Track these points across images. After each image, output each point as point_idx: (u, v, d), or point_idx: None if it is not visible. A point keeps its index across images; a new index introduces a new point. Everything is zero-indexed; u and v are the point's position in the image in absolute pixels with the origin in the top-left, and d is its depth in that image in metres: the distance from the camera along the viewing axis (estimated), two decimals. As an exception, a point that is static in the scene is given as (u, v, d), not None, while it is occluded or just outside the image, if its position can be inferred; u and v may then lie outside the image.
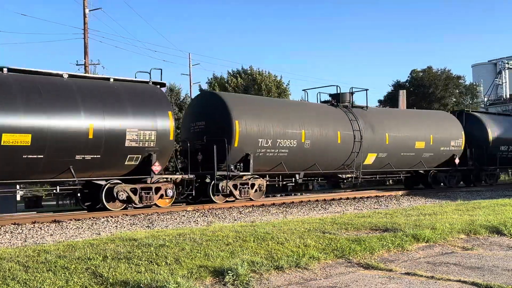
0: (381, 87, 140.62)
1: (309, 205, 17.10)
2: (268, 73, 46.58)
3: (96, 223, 12.68)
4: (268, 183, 19.08)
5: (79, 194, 15.37)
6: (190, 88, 43.68)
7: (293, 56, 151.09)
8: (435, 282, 6.53)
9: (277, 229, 9.54)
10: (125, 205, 15.12)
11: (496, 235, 10.14)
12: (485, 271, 7.14)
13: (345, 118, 21.24)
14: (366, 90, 23.17)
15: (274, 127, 18.67)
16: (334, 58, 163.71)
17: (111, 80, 15.54)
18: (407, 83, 52.43)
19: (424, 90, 49.81)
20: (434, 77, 51.51)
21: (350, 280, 6.70)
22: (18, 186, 16.13)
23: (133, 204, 15.17)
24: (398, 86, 50.77)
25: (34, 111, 13.19)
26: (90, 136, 13.96)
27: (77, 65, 31.63)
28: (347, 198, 19.50)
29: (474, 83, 61.89)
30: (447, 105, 49.45)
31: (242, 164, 17.78)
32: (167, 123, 15.53)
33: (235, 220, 13.29)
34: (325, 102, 22.70)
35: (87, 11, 30.59)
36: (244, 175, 17.87)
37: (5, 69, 13.54)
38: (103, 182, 14.71)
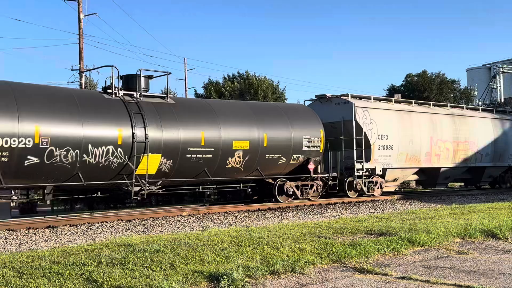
0: (376, 91, 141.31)
1: (304, 210, 17.10)
2: (264, 77, 46.73)
3: (91, 228, 12.63)
4: None
5: None
6: (186, 92, 43.71)
7: (289, 60, 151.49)
8: (431, 286, 6.54)
9: (272, 233, 9.53)
10: None
11: (491, 239, 10.16)
12: (480, 275, 7.15)
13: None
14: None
15: None
16: (329, 62, 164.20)
17: None
18: (402, 87, 52.65)
19: (418, 94, 50.00)
20: (428, 81, 51.75)
21: (346, 284, 6.69)
22: (13, 192, 15.89)
23: None
24: (393, 90, 50.98)
25: None
26: None
27: (72, 70, 31.53)
28: (343, 203, 19.52)
29: (469, 87, 62.15)
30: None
31: None
32: None
33: (231, 225, 13.27)
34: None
35: (82, 16, 30.57)
36: None
37: None
38: None
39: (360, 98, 22.22)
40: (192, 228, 12.75)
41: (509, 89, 74.70)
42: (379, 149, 21.48)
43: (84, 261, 7.06)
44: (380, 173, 21.41)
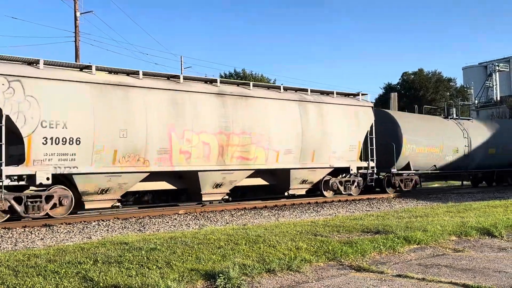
0: (373, 90, 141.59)
1: (301, 208, 17.11)
2: (261, 75, 46.71)
3: (87, 227, 12.62)
4: None
5: None
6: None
7: (286, 59, 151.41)
8: (427, 284, 6.54)
9: (269, 232, 9.53)
10: None
11: (487, 237, 10.18)
12: (476, 272, 7.17)
13: None
14: None
15: None
16: (326, 61, 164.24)
17: None
18: (398, 86, 52.66)
19: (415, 93, 50.05)
20: (425, 79, 51.79)
21: (342, 282, 6.69)
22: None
23: None
24: (389, 88, 50.99)
25: None
26: None
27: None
28: (339, 201, 19.53)
29: (465, 86, 62.25)
30: (438, 108, 49.74)
31: None
32: None
33: (227, 223, 13.27)
34: None
35: (78, 14, 30.51)
36: None
37: None
38: None
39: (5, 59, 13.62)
40: (189, 226, 12.75)
41: (505, 87, 74.92)
42: (46, 144, 13.32)
43: (80, 260, 7.04)
44: (48, 181, 13.27)
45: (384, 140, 22.03)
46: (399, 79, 54.09)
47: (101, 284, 6.08)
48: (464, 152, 25.96)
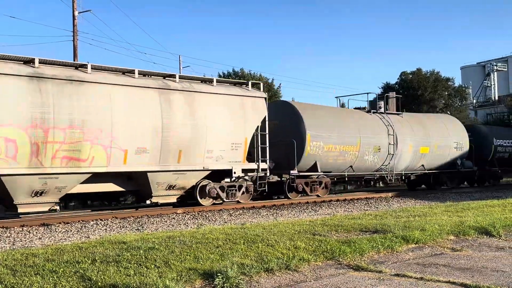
0: (372, 90, 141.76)
1: (299, 207, 17.11)
2: (260, 75, 46.64)
3: (85, 226, 12.61)
4: None
5: None
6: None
7: (285, 58, 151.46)
8: (425, 283, 6.55)
9: (267, 231, 9.53)
10: None
11: (485, 236, 10.19)
12: (474, 272, 7.17)
13: None
14: None
15: None
16: (324, 60, 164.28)
17: None
18: (396, 85, 52.62)
19: (413, 92, 50.02)
20: (423, 79, 51.77)
21: (340, 281, 6.69)
22: None
23: None
24: (387, 88, 50.93)
25: None
26: None
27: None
28: (337, 200, 19.54)
29: (463, 85, 62.29)
30: (436, 107, 49.78)
31: None
32: None
33: (225, 222, 13.26)
34: None
35: (76, 13, 30.44)
36: None
37: None
38: None
39: None
40: (187, 225, 12.74)
41: (503, 87, 75.04)
42: None
43: (78, 259, 7.03)
44: None
45: (287, 137, 19.10)
46: (398, 79, 54.06)
47: (99, 283, 6.07)
48: (389, 151, 22.61)
